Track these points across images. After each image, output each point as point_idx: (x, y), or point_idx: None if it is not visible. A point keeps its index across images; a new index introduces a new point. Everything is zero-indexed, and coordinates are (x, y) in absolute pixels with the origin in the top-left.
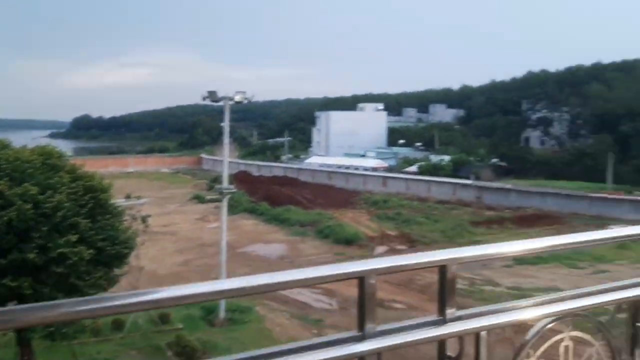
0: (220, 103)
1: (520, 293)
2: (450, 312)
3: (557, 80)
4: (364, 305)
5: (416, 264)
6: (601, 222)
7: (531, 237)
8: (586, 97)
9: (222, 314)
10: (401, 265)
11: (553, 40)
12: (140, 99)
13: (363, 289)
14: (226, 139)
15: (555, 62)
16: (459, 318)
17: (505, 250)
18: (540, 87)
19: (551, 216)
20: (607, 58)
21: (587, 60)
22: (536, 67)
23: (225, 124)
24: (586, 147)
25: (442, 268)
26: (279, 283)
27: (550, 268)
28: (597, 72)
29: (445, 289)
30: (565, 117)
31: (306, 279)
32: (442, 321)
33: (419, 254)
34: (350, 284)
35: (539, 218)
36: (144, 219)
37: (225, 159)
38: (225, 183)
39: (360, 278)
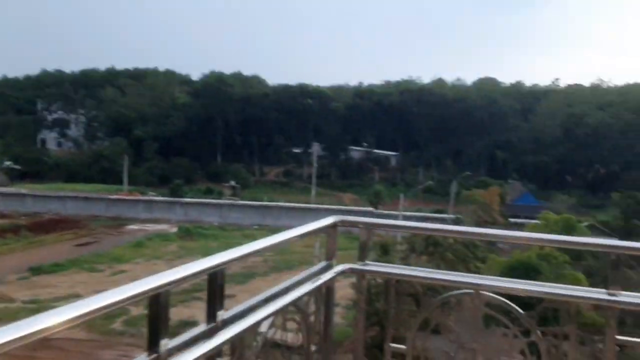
0: None
1: (38, 306)
2: None
3: (73, 82)
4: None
5: None
6: (120, 223)
7: (48, 243)
8: (102, 100)
9: None
10: None
11: (67, 41)
12: None
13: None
14: None
15: (71, 63)
16: None
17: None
18: (56, 87)
19: (70, 220)
20: (120, 64)
21: (102, 65)
22: (51, 67)
23: None
24: (103, 149)
25: None
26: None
27: (69, 275)
28: (112, 77)
29: None
30: (82, 119)
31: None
32: None
33: None
34: None
35: (57, 223)
36: None
37: None
38: None
39: None
